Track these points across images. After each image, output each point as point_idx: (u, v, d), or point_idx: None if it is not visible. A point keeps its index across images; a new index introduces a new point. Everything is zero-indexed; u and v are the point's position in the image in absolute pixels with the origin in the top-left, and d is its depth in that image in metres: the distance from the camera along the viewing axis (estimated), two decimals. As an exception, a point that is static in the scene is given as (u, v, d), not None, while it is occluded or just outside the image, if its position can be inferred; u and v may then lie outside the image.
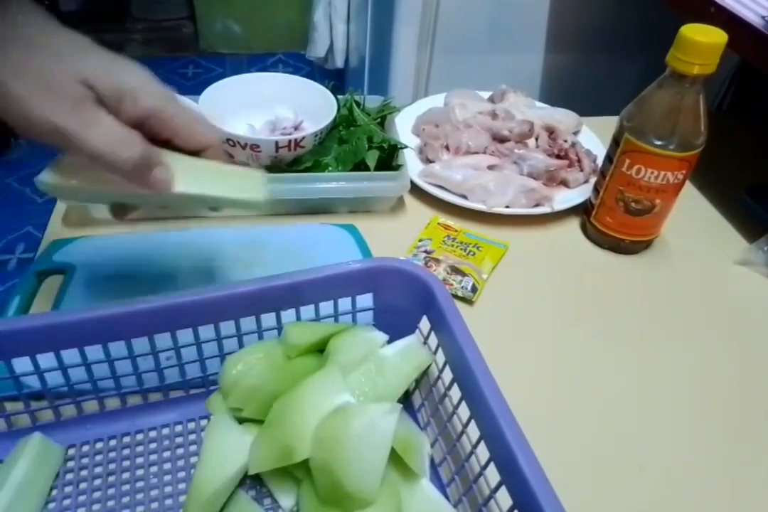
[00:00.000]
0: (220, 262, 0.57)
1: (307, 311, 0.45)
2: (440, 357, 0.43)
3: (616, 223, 0.62)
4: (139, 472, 0.42)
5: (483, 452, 0.37)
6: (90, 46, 0.36)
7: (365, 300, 0.46)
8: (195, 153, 0.40)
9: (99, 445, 0.44)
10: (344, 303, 0.46)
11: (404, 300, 0.45)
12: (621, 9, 1.20)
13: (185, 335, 0.43)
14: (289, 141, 0.61)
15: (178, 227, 0.61)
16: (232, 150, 0.62)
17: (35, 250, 0.57)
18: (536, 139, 0.73)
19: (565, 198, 0.68)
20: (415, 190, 0.67)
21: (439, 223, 0.64)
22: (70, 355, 0.41)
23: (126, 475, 0.42)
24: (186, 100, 0.68)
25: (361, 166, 0.64)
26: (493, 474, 0.36)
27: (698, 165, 0.57)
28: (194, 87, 0.78)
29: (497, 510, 0.36)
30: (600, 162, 0.65)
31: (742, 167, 0.77)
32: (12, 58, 0.33)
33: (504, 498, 0.35)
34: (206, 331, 0.43)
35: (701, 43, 0.50)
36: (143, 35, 2.57)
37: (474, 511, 0.38)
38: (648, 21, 1.19)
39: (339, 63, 1.73)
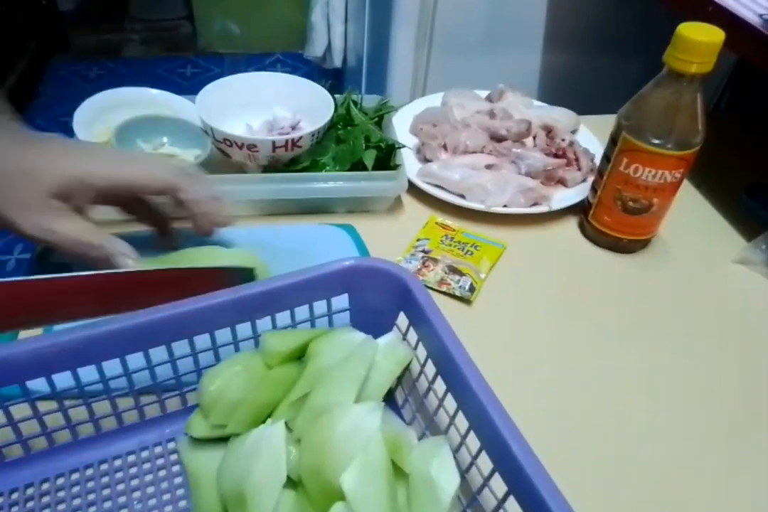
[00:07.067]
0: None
1: (283, 317, 0.44)
2: (421, 353, 0.42)
3: (614, 221, 0.62)
4: (121, 500, 0.40)
5: (473, 442, 0.37)
6: (45, 148, 0.44)
7: (341, 301, 0.45)
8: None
9: (75, 476, 0.41)
10: (320, 306, 0.45)
11: (380, 298, 0.44)
12: (618, 7, 1.20)
13: (159, 352, 0.41)
14: (287, 141, 0.61)
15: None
16: (230, 150, 0.62)
17: (33, 251, 0.57)
18: (534, 138, 0.73)
19: (563, 197, 0.68)
20: (413, 189, 0.67)
21: (437, 223, 0.64)
22: (37, 384, 0.38)
23: (107, 504, 0.40)
24: (184, 100, 0.68)
25: (358, 165, 0.64)
26: (485, 463, 0.36)
27: (696, 164, 0.57)
28: (192, 87, 0.78)
29: (492, 497, 0.35)
30: (598, 161, 0.65)
31: (740, 166, 0.77)
32: None
33: (498, 484, 0.34)
34: (180, 347, 0.42)
35: (699, 41, 0.50)
36: (141, 35, 2.58)
37: (468, 501, 0.38)
38: (645, 20, 1.19)
39: (337, 62, 1.73)
